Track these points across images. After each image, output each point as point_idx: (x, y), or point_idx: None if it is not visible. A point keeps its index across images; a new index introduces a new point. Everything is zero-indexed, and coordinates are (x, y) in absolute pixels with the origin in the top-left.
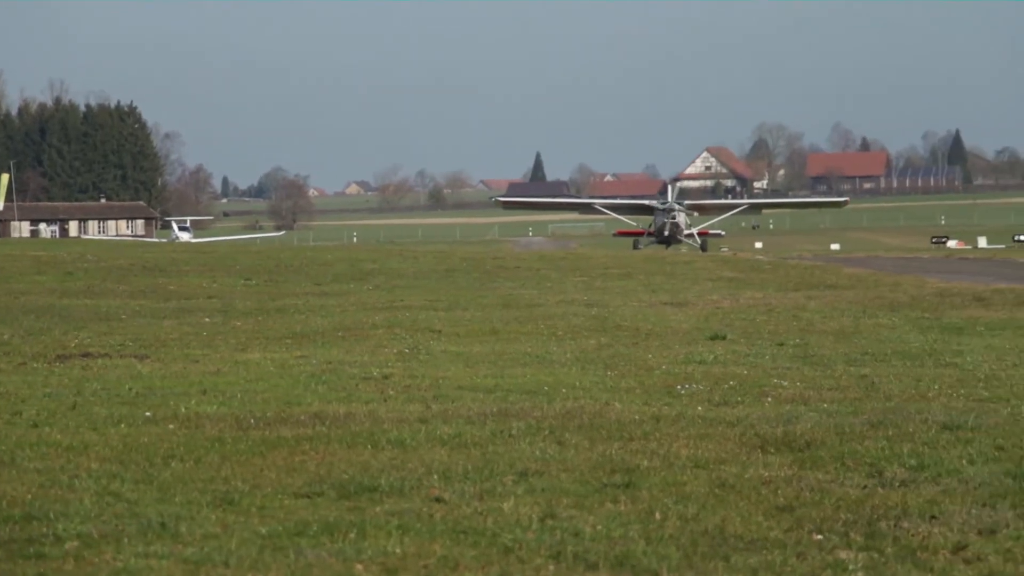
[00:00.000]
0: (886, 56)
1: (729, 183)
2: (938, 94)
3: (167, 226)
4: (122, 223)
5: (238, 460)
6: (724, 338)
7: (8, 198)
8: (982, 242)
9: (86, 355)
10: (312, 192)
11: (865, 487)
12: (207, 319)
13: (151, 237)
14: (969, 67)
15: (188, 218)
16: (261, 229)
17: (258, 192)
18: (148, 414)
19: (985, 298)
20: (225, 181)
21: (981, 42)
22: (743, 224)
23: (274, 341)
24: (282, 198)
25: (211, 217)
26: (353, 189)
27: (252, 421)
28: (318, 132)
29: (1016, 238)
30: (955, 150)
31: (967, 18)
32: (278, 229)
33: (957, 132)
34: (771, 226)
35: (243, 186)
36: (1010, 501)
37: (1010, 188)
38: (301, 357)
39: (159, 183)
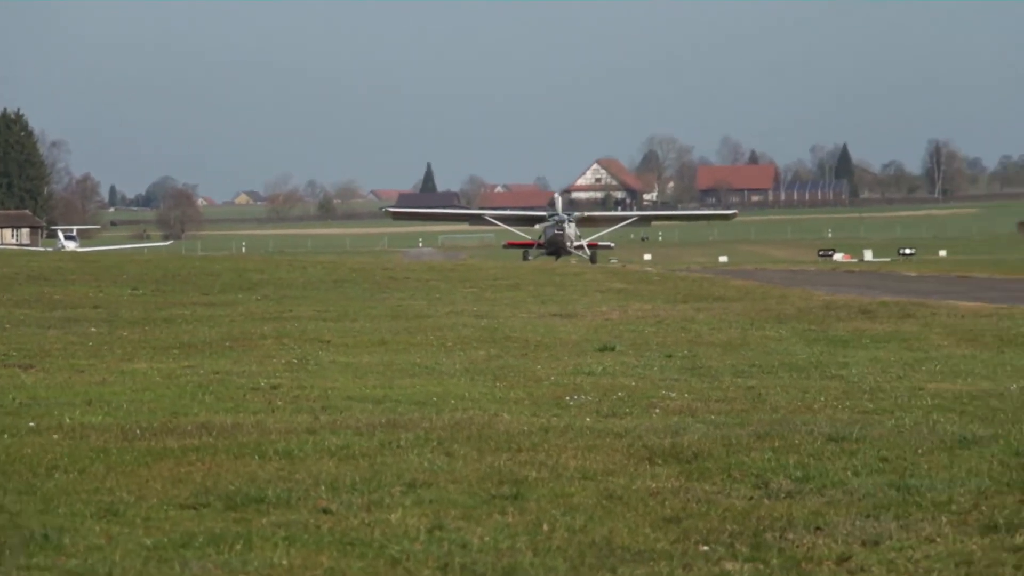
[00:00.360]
0: (774, 70)
1: (619, 195)
2: (825, 108)
3: (53, 235)
4: (7, 232)
5: (123, 471)
6: (613, 349)
7: None
8: (868, 255)
9: None
10: (201, 202)
11: (751, 498)
12: (93, 329)
13: (36, 246)
14: (856, 81)
15: (75, 227)
16: (149, 239)
17: (146, 201)
18: (32, 424)
19: (870, 311)
20: (113, 190)
21: (867, 57)
22: (632, 236)
23: (161, 351)
24: (170, 207)
25: (98, 226)
26: (242, 199)
27: (138, 432)
28: (207, 141)
29: (901, 251)
30: (842, 164)
31: (854, 33)
32: (166, 239)
33: (844, 146)
34: (660, 238)
35: (131, 195)
36: (893, 512)
37: (896, 202)
38: (188, 367)
39: (45, 191)
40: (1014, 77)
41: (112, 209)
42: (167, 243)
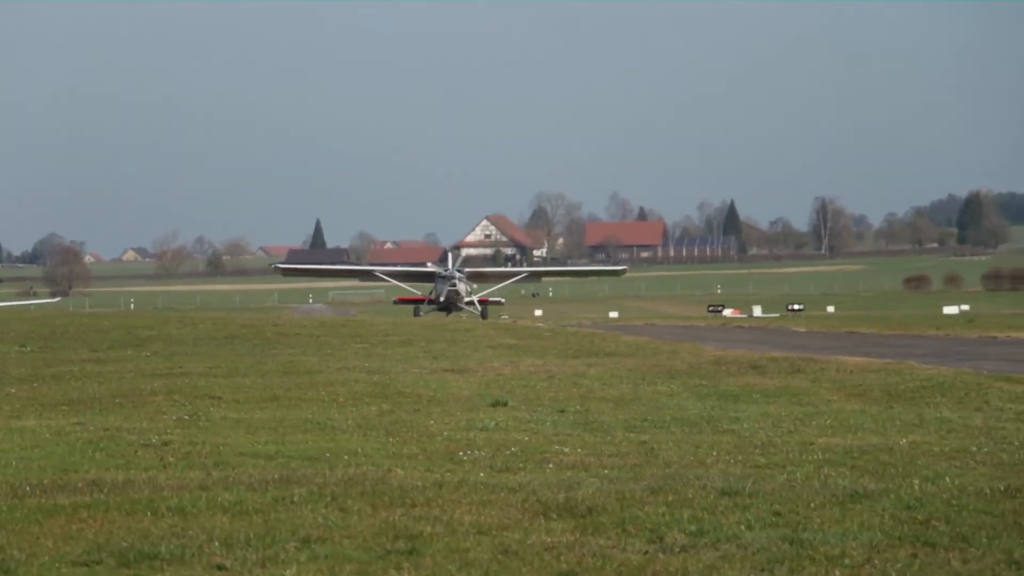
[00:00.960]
0: (661, 127)
1: (509, 251)
2: (713, 165)
3: None
4: None
5: (14, 528)
6: (505, 404)
7: None
8: (757, 311)
9: None
10: (88, 258)
11: (646, 552)
12: None
13: None
14: (743, 138)
15: None
16: (36, 295)
17: (32, 258)
18: None
19: (760, 366)
20: None
21: (754, 114)
22: (523, 292)
23: (50, 408)
24: (57, 264)
25: None
26: (130, 255)
27: (28, 489)
28: (94, 198)
29: (790, 307)
30: (730, 220)
31: (739, 90)
32: (53, 295)
33: (732, 203)
34: (551, 294)
35: (17, 252)
36: (787, 566)
37: (783, 258)
38: (78, 424)
39: None
40: (899, 135)
41: None
42: (55, 300)
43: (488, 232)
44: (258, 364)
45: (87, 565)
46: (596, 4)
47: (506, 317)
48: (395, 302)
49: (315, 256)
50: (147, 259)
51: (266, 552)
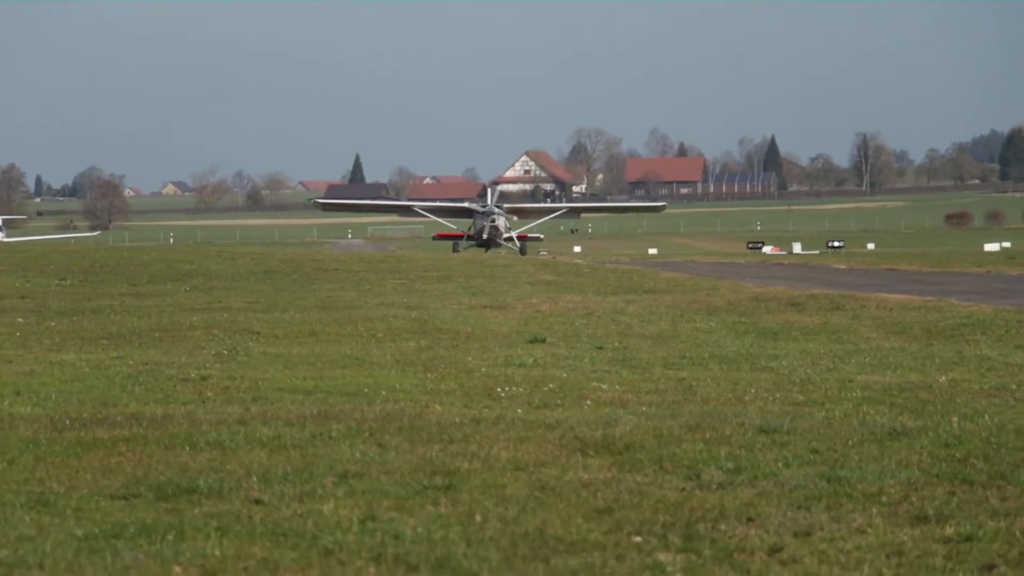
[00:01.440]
0: (702, 62)
1: (548, 187)
2: (754, 101)
3: None
4: None
5: (53, 462)
6: (544, 341)
7: None
8: (797, 248)
9: None
10: (128, 192)
11: (683, 489)
12: (20, 319)
13: None
14: (784, 74)
15: (0, 217)
16: (76, 229)
17: (72, 192)
18: None
19: (800, 303)
20: (39, 180)
21: (796, 49)
22: (562, 228)
23: (89, 342)
24: (97, 198)
25: (24, 216)
26: (170, 189)
27: (67, 422)
28: (134, 131)
29: (830, 244)
30: (770, 156)
31: (782, 25)
32: (93, 229)
33: (772, 138)
34: (590, 230)
35: (57, 185)
36: (824, 503)
37: (824, 194)
38: (117, 358)
39: None
40: (941, 70)
41: (38, 199)
42: (94, 233)
43: (527, 168)
44: (297, 299)
45: (125, 499)
46: None
47: (545, 253)
48: (434, 238)
49: (354, 191)
50: (186, 193)
51: (303, 487)
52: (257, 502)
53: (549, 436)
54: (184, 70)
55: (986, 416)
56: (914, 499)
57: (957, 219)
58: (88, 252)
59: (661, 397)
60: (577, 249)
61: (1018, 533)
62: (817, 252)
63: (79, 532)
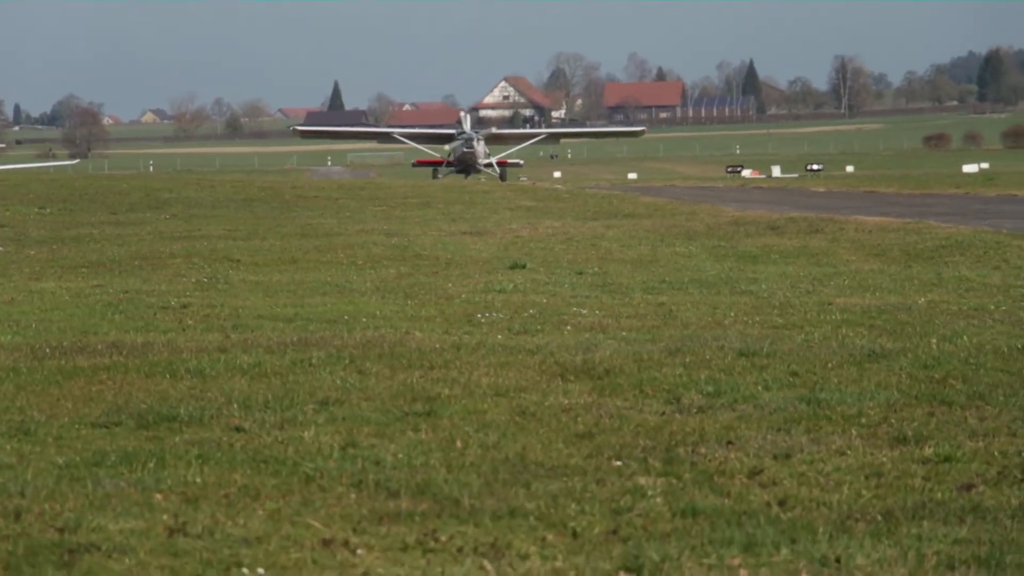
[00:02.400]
0: None
1: (528, 112)
2: (731, 25)
3: None
4: None
5: (33, 390)
6: (524, 267)
7: None
8: (776, 171)
9: None
10: (107, 120)
11: (663, 414)
12: (0, 248)
13: None
14: None
15: None
16: (55, 157)
17: (51, 120)
18: None
19: (779, 226)
20: (17, 108)
21: None
22: (542, 154)
23: (69, 270)
24: (76, 126)
25: (3, 145)
26: (149, 117)
27: (47, 351)
28: (113, 59)
29: (809, 167)
30: (749, 80)
31: None
32: (72, 157)
33: (751, 62)
34: (569, 156)
35: (35, 114)
36: (804, 426)
37: (803, 118)
38: (97, 286)
39: None
40: None
41: (17, 128)
42: (74, 162)
43: (507, 94)
44: (277, 227)
45: (106, 427)
46: None
47: (525, 179)
48: (414, 164)
49: (334, 118)
50: (165, 121)
51: (284, 414)
52: (238, 429)
53: (529, 361)
54: None
55: (965, 337)
56: (893, 420)
57: (935, 141)
58: (67, 181)
59: (641, 322)
60: (557, 174)
61: (996, 453)
62: (796, 175)
63: (60, 460)
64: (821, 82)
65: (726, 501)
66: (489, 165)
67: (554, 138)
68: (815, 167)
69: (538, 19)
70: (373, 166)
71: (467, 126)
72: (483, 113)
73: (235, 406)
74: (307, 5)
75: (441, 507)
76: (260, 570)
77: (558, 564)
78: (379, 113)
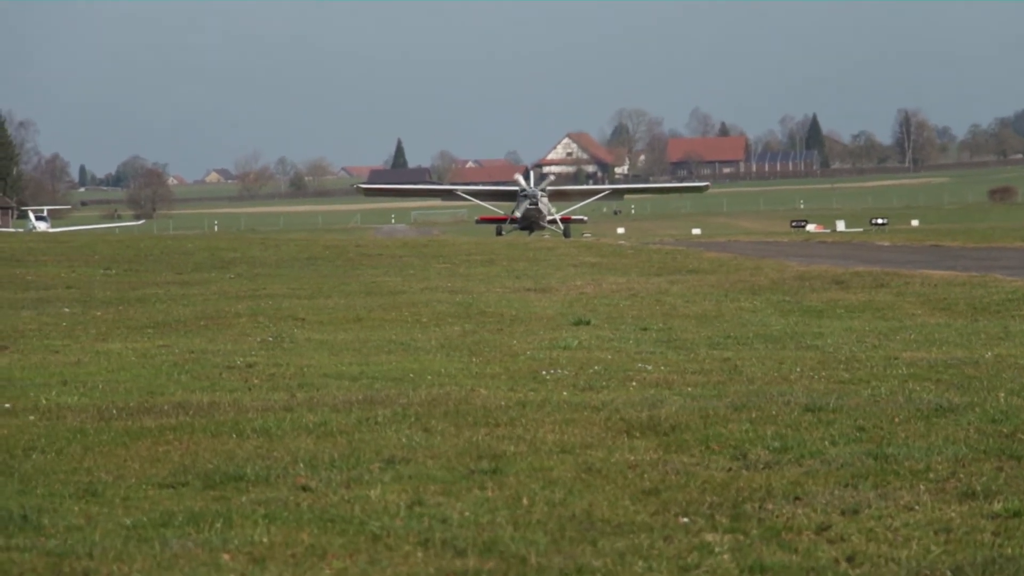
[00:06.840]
0: (743, 41)
1: (591, 168)
2: (795, 79)
3: (24, 216)
4: None
5: (101, 451)
6: (588, 323)
7: None
8: (840, 226)
9: None
10: (171, 180)
11: (730, 470)
12: (66, 309)
13: (7, 227)
14: (825, 51)
15: (45, 207)
16: (120, 218)
17: (116, 181)
18: (7, 406)
19: (844, 281)
20: (82, 170)
21: (836, 26)
22: (605, 210)
23: (135, 331)
24: (141, 186)
25: (69, 206)
26: (213, 177)
27: (114, 411)
28: (177, 120)
29: (873, 221)
30: (812, 134)
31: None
32: (137, 218)
33: (814, 116)
34: (633, 211)
35: (101, 175)
36: (871, 481)
37: (866, 172)
38: (163, 346)
39: (14, 172)
40: (983, 46)
41: (82, 189)
42: (139, 222)
43: (570, 150)
44: (341, 285)
45: (173, 487)
46: None
47: (588, 235)
48: (477, 221)
49: (397, 176)
50: (229, 181)
51: (350, 473)
52: (304, 489)
53: (595, 418)
54: (227, 58)
55: None
56: (961, 475)
57: (1001, 194)
58: (133, 241)
59: (706, 377)
60: (621, 230)
61: None
62: (861, 230)
63: (128, 521)
64: (885, 136)
65: (794, 557)
66: (553, 222)
67: (618, 194)
68: (880, 221)
69: (600, 75)
70: (437, 224)
71: (531, 183)
72: (546, 169)
73: (301, 465)
74: (370, 64)
75: (508, 565)
76: None
77: None
78: (442, 170)
